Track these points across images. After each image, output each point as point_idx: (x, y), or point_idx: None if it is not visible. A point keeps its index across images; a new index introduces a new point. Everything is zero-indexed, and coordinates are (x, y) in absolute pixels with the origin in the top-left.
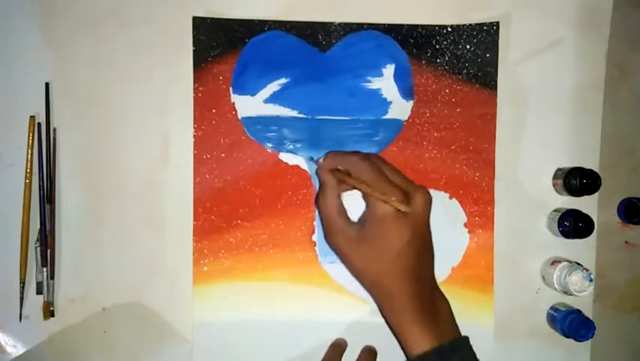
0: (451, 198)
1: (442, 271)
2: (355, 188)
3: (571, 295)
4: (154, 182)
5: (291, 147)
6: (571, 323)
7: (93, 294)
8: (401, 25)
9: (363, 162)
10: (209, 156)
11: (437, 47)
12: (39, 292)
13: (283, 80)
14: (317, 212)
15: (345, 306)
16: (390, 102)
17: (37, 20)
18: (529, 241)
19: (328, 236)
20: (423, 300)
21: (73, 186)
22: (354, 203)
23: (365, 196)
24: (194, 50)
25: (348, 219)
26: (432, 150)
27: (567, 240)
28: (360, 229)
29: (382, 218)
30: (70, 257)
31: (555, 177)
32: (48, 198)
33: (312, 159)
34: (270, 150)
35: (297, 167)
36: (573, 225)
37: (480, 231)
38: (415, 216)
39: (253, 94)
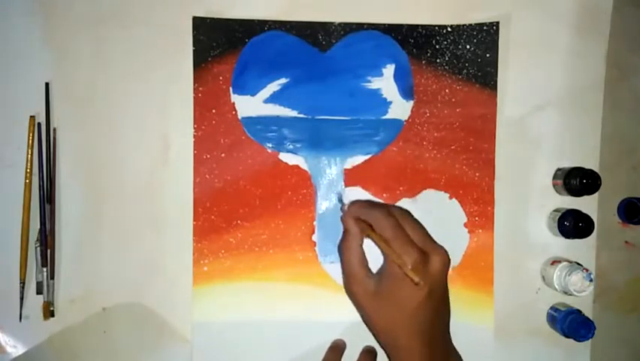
0: (451, 198)
1: None
2: (375, 243)
3: (571, 295)
4: (154, 182)
5: (291, 147)
6: (571, 323)
7: (93, 294)
8: (401, 25)
9: (386, 219)
10: (209, 156)
11: (437, 46)
12: (39, 292)
13: (283, 80)
14: (340, 259)
15: (345, 306)
16: (390, 102)
17: (37, 20)
18: (529, 241)
19: (347, 284)
20: (434, 357)
21: (73, 186)
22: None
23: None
24: (194, 50)
25: (369, 270)
26: (432, 150)
27: (567, 240)
28: (378, 282)
29: (398, 275)
30: (70, 257)
31: (555, 177)
32: (48, 198)
33: (340, 200)
34: (270, 150)
35: (297, 167)
36: (573, 225)
37: (480, 231)
38: (431, 277)
39: (253, 94)
